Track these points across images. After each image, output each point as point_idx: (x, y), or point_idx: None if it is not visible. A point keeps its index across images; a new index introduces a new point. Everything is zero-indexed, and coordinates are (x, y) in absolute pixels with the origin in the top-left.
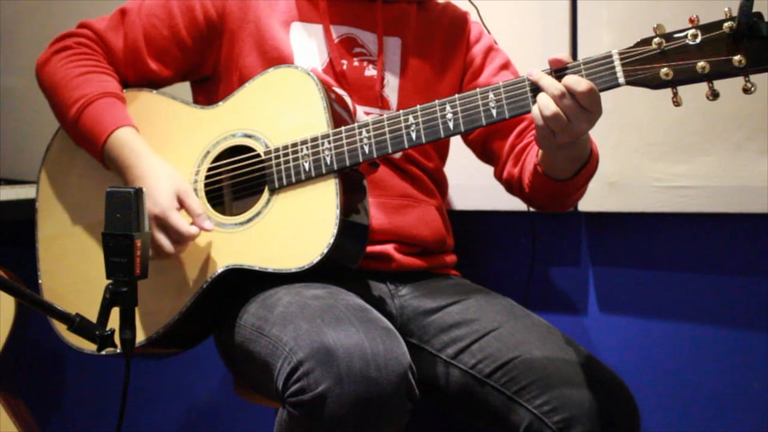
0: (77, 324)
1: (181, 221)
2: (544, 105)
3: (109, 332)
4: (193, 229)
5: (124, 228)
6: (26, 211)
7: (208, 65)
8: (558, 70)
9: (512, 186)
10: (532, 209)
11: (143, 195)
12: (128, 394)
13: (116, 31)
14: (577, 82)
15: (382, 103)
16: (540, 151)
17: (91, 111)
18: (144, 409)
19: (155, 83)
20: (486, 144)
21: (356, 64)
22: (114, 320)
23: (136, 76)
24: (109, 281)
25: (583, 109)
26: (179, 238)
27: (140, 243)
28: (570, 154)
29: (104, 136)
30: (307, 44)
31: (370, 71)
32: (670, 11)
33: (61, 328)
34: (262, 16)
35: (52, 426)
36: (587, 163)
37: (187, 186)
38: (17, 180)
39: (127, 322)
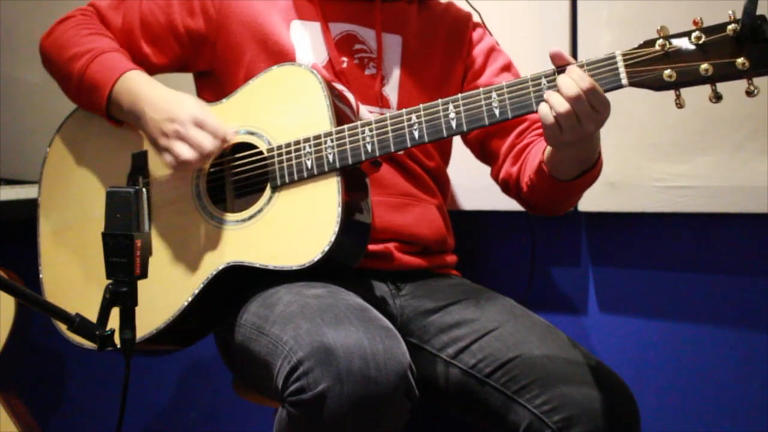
0: (77, 324)
1: (217, 120)
2: (558, 102)
3: (109, 332)
4: (226, 128)
5: (124, 228)
6: (27, 210)
7: (204, 60)
8: (561, 67)
9: (509, 186)
10: None
11: (143, 195)
12: (128, 394)
13: (116, 11)
14: (582, 78)
15: (382, 102)
16: (548, 150)
17: (101, 60)
18: (144, 409)
19: (149, 69)
20: (485, 143)
21: (356, 62)
22: (114, 320)
23: (130, 56)
24: (109, 281)
25: (594, 110)
26: (218, 136)
27: (140, 243)
28: (579, 155)
29: (117, 75)
30: (307, 42)
31: (370, 69)
32: (670, 11)
33: (61, 326)
34: (261, 13)
35: (52, 426)
36: (592, 168)
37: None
38: (17, 180)
39: (127, 322)
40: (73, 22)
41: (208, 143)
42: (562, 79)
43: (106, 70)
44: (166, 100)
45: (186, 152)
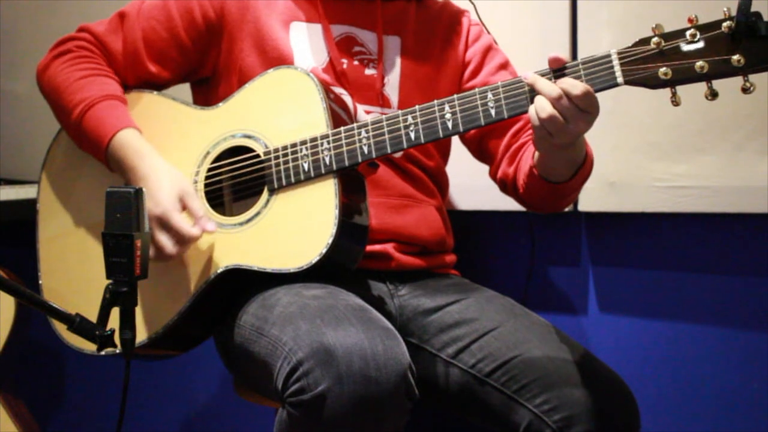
0: (77, 324)
1: (182, 222)
2: (540, 107)
3: (109, 332)
4: (195, 231)
5: (124, 228)
6: (26, 211)
7: (207, 66)
8: (557, 70)
9: (506, 186)
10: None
11: (143, 195)
12: (128, 394)
13: (115, 34)
14: (573, 86)
15: (382, 102)
16: (536, 153)
17: (93, 113)
18: (144, 409)
19: (155, 85)
20: (482, 143)
21: (356, 63)
22: (114, 320)
23: (136, 79)
24: (109, 281)
25: (581, 110)
26: (181, 240)
27: (140, 243)
28: (567, 156)
29: (107, 138)
30: (307, 44)
31: (370, 70)
32: (669, 11)
33: (61, 328)
34: (261, 16)
35: (52, 426)
36: (582, 166)
37: (189, 187)
38: (17, 180)
39: (127, 322)
40: (68, 60)
41: (168, 249)
42: (541, 83)
43: (95, 135)
44: (142, 180)
45: (151, 252)
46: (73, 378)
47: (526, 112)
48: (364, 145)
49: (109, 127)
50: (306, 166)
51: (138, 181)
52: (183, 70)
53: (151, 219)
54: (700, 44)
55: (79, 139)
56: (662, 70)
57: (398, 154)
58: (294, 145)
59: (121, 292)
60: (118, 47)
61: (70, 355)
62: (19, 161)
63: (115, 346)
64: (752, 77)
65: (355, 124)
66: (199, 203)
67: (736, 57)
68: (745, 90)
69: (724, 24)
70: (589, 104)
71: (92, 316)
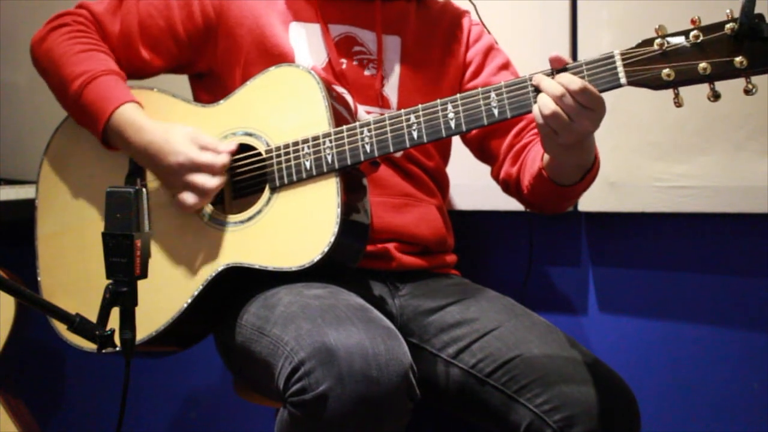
0: (77, 324)
1: (209, 157)
2: (543, 104)
3: (109, 332)
4: (223, 158)
5: (124, 228)
6: (26, 211)
7: (203, 61)
8: (560, 70)
9: (509, 186)
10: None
11: (143, 195)
12: (128, 394)
13: (113, 15)
14: (571, 81)
15: (382, 102)
16: (546, 156)
17: (94, 86)
18: (144, 409)
19: (145, 72)
20: (483, 143)
21: (355, 63)
22: (114, 320)
23: (128, 62)
24: (109, 281)
25: (584, 107)
26: (216, 172)
27: (140, 243)
28: (577, 160)
29: (110, 110)
30: (306, 44)
31: (370, 70)
32: (670, 11)
33: (61, 327)
34: (261, 15)
35: (52, 426)
36: (591, 169)
37: (192, 129)
38: (17, 180)
39: (127, 322)
40: (66, 33)
41: (209, 183)
42: (545, 81)
43: (97, 105)
44: (152, 144)
45: (189, 198)
46: (73, 378)
47: (529, 111)
48: (367, 143)
49: (111, 100)
50: (308, 164)
51: (146, 147)
52: (175, 61)
53: (175, 172)
54: (703, 46)
55: (76, 111)
56: (665, 71)
57: (398, 154)
58: (296, 144)
59: (121, 292)
60: (114, 28)
61: (70, 355)
62: (19, 161)
63: (115, 345)
64: (754, 78)
65: (357, 123)
66: (210, 137)
67: (738, 59)
68: (747, 92)
69: (727, 26)
70: (590, 101)
71: (92, 314)
